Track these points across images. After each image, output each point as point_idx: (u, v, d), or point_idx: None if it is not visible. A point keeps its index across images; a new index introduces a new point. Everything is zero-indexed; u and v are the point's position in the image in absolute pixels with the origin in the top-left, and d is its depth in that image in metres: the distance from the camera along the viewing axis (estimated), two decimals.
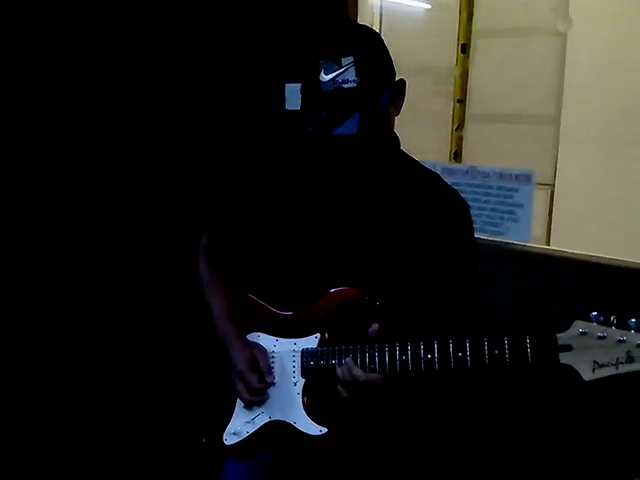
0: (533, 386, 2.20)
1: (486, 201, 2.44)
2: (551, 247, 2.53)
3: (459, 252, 1.52)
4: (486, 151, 3.08)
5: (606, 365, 1.23)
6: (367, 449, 1.58)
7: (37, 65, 2.49)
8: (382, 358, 1.39)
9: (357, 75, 1.35)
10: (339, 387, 1.42)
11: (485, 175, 2.43)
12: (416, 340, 1.38)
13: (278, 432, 1.53)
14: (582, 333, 1.24)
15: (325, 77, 1.36)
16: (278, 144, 1.65)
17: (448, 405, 2.31)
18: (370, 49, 1.40)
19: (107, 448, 2.68)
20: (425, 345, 1.36)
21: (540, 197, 2.76)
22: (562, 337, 1.26)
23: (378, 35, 1.47)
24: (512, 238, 2.38)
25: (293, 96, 1.42)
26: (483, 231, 2.43)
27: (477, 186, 2.46)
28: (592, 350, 1.23)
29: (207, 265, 1.72)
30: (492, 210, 2.42)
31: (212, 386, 1.66)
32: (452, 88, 3.05)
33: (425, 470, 1.94)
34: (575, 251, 2.30)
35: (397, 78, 1.48)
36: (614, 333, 1.22)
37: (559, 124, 3.05)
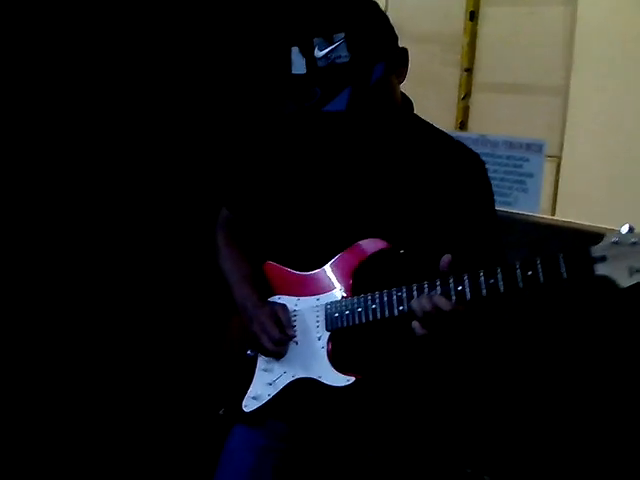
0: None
1: (495, 171, 2.41)
2: (557, 217, 2.52)
3: (478, 197, 1.53)
4: (492, 121, 3.04)
5: None
6: (393, 399, 1.56)
7: (37, 65, 2.46)
8: (410, 298, 1.36)
9: (349, 50, 1.38)
10: (414, 323, 1.35)
11: (494, 144, 2.41)
12: None
13: (301, 392, 1.51)
14: (615, 242, 1.22)
15: (319, 53, 1.40)
16: (287, 116, 1.67)
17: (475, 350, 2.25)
18: (362, 23, 1.42)
19: (122, 423, 2.69)
20: (455, 277, 1.32)
21: (547, 169, 2.74)
22: (595, 249, 1.24)
23: (374, 4, 1.48)
24: (521, 209, 2.36)
25: (298, 60, 1.44)
26: None
27: (486, 155, 2.43)
28: (627, 256, 1.21)
29: (225, 235, 1.75)
30: (501, 180, 2.40)
31: (231, 358, 1.66)
32: (459, 57, 3.01)
33: (451, 414, 1.91)
34: (581, 222, 2.28)
35: (400, 45, 1.48)
36: None
37: (567, 95, 3.01)
